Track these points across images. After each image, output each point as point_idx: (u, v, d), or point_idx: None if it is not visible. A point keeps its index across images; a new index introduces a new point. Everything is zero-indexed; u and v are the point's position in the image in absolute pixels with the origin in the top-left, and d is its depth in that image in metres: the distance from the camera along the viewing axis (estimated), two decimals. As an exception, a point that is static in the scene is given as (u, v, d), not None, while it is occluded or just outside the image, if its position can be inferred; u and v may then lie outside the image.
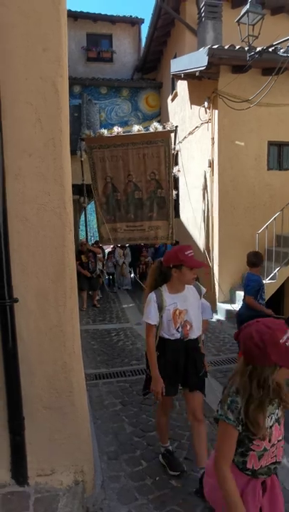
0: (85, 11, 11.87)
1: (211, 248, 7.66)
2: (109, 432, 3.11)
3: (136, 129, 7.30)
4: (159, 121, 9.27)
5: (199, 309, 2.52)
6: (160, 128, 7.25)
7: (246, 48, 5.87)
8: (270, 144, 7.51)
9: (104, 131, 7.71)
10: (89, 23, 12.02)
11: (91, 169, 7.64)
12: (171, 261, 2.34)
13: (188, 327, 2.41)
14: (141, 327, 6.94)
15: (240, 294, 7.10)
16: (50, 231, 2.07)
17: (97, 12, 12.10)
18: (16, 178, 1.99)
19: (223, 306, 7.19)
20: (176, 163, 7.70)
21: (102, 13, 12.12)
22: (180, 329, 2.39)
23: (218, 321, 6.95)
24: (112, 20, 12.15)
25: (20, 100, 1.95)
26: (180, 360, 2.42)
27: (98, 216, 8.02)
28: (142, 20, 12.44)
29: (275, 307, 6.48)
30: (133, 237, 8.04)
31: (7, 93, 1.91)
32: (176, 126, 7.51)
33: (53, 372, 2.15)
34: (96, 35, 12.24)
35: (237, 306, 6.89)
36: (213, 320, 6.77)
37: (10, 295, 1.98)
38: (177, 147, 7.77)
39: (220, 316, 7.22)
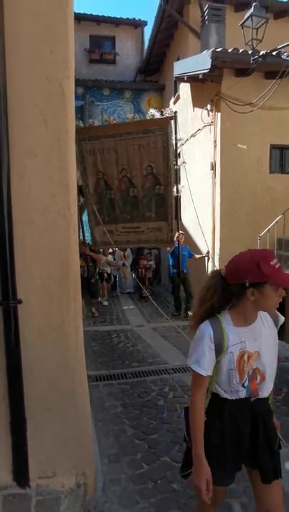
0: (88, 13, 11.93)
1: (212, 251, 7.66)
2: (110, 435, 3.10)
3: (130, 116, 6.61)
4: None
5: (276, 349, 1.66)
6: (158, 115, 6.36)
7: (250, 52, 5.89)
8: (273, 147, 7.52)
9: (95, 122, 7.12)
10: (92, 25, 12.06)
11: (80, 164, 6.79)
12: (246, 275, 1.47)
13: (259, 379, 1.58)
14: (142, 329, 6.92)
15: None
16: (54, 232, 2.06)
17: (100, 14, 12.16)
18: (22, 179, 1.99)
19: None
20: (179, 156, 6.68)
21: (106, 15, 12.18)
22: (246, 383, 1.56)
23: None
24: (115, 22, 12.20)
25: (26, 101, 1.95)
26: (245, 430, 1.57)
27: (90, 217, 7.22)
28: (145, 23, 12.49)
29: (278, 311, 6.45)
30: (131, 241, 7.19)
31: (14, 94, 1.91)
32: (176, 112, 6.53)
33: (56, 374, 2.14)
34: (99, 37, 12.29)
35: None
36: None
37: (14, 296, 1.98)
38: (179, 136, 6.81)
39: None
